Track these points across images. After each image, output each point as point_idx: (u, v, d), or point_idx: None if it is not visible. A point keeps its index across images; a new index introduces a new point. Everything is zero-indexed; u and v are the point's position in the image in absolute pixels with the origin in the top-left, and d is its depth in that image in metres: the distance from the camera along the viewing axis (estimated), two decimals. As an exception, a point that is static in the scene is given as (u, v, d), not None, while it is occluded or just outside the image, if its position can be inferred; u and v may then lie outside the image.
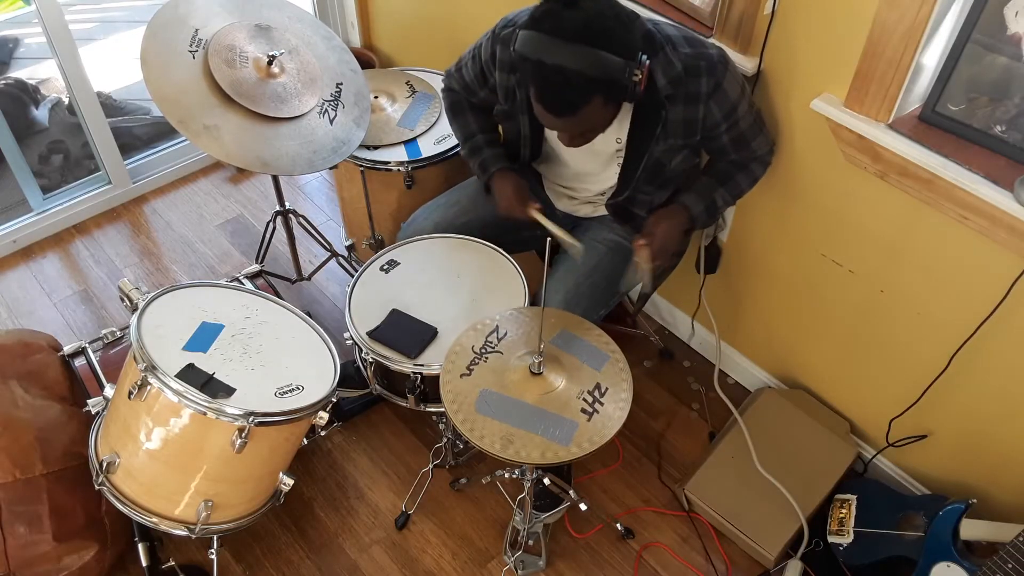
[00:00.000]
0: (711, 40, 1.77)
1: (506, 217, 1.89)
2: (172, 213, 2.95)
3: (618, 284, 1.93)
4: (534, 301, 1.87)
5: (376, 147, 2.20)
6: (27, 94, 3.20)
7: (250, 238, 2.85)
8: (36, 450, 1.76)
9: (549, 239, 1.47)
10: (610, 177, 1.85)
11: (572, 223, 2.03)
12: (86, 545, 1.82)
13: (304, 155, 1.99)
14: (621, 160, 1.79)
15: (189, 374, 1.65)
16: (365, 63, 2.52)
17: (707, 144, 1.79)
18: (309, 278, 2.66)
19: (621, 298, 2.00)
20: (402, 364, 1.76)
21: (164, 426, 1.62)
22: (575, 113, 1.53)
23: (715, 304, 2.31)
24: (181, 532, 1.72)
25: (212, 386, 1.65)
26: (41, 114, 3.18)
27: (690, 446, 2.28)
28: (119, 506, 1.70)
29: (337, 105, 2.10)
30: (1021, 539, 1.57)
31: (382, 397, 1.92)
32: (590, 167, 1.87)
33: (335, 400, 1.79)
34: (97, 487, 1.71)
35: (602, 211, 1.97)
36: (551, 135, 1.85)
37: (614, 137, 1.75)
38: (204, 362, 1.70)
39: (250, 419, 1.61)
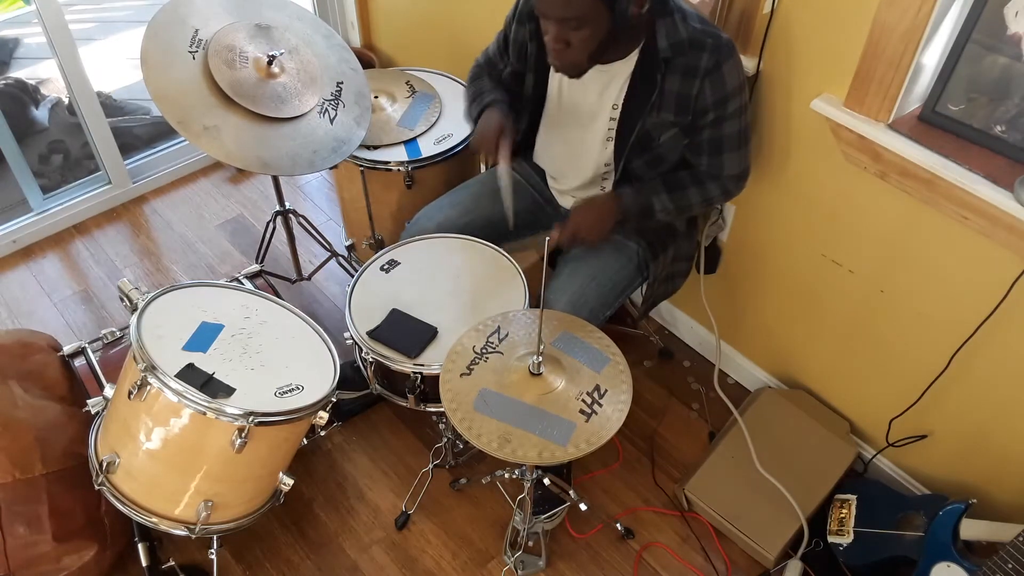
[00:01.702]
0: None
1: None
2: (172, 213, 2.95)
3: (623, 286, 1.93)
4: (535, 301, 1.87)
5: (376, 147, 2.20)
6: (27, 94, 3.20)
7: (250, 238, 2.85)
8: (36, 450, 1.76)
9: (548, 239, 1.47)
10: (604, 154, 1.84)
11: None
12: (86, 545, 1.82)
13: (304, 155, 1.99)
14: (614, 133, 1.78)
15: (189, 374, 1.65)
16: (365, 63, 2.52)
17: (687, 135, 1.77)
18: (309, 278, 2.66)
19: (625, 300, 2.00)
20: (402, 364, 1.76)
21: (164, 426, 1.62)
22: None
23: (715, 304, 2.31)
24: (181, 532, 1.72)
25: (212, 386, 1.65)
26: (41, 114, 3.18)
27: (690, 446, 2.28)
28: (119, 506, 1.70)
29: (337, 104, 2.10)
30: (1021, 539, 1.57)
31: (382, 397, 1.92)
32: (585, 140, 1.85)
33: (335, 400, 1.79)
34: (97, 487, 1.71)
35: None
36: (551, 105, 1.86)
37: (610, 103, 1.75)
38: (204, 362, 1.70)
39: (250, 419, 1.61)
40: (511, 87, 1.94)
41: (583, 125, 1.83)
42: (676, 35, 1.62)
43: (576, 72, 1.68)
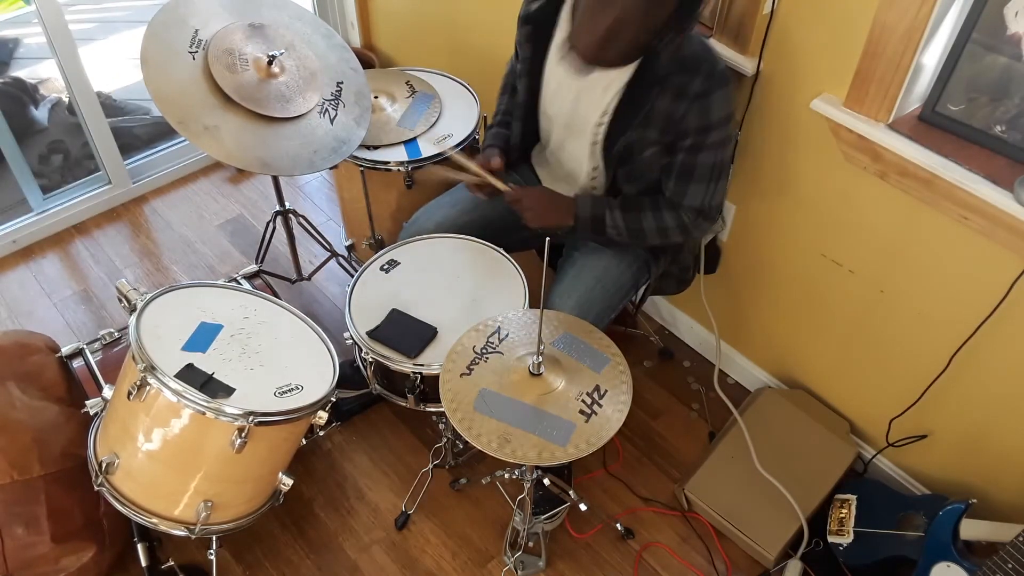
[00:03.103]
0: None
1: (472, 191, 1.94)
2: (172, 213, 2.95)
3: (627, 288, 1.92)
4: (534, 301, 1.87)
5: (376, 147, 2.20)
6: (27, 94, 3.20)
7: (250, 238, 2.85)
8: (34, 451, 1.76)
9: (548, 240, 1.47)
10: (593, 159, 1.82)
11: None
12: (84, 546, 1.82)
13: (304, 155, 1.99)
14: (600, 139, 1.76)
15: (188, 374, 1.65)
16: (365, 63, 2.52)
17: (668, 156, 1.74)
18: (309, 278, 2.66)
19: (627, 302, 2.00)
20: (402, 364, 1.76)
21: (163, 426, 1.62)
22: None
23: (715, 304, 2.31)
24: (180, 532, 1.72)
25: (211, 386, 1.65)
26: (41, 114, 3.18)
27: (690, 446, 2.28)
28: (118, 507, 1.70)
29: (337, 104, 2.10)
30: (1021, 539, 1.57)
31: (382, 397, 1.92)
32: (576, 147, 1.83)
33: (334, 400, 1.79)
34: (96, 488, 1.71)
35: None
36: (546, 107, 1.84)
37: (601, 111, 1.72)
38: (203, 362, 1.69)
39: (249, 419, 1.61)
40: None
41: (574, 131, 1.82)
42: (678, 53, 1.60)
43: (596, 57, 1.62)
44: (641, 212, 1.79)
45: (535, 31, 1.77)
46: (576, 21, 1.63)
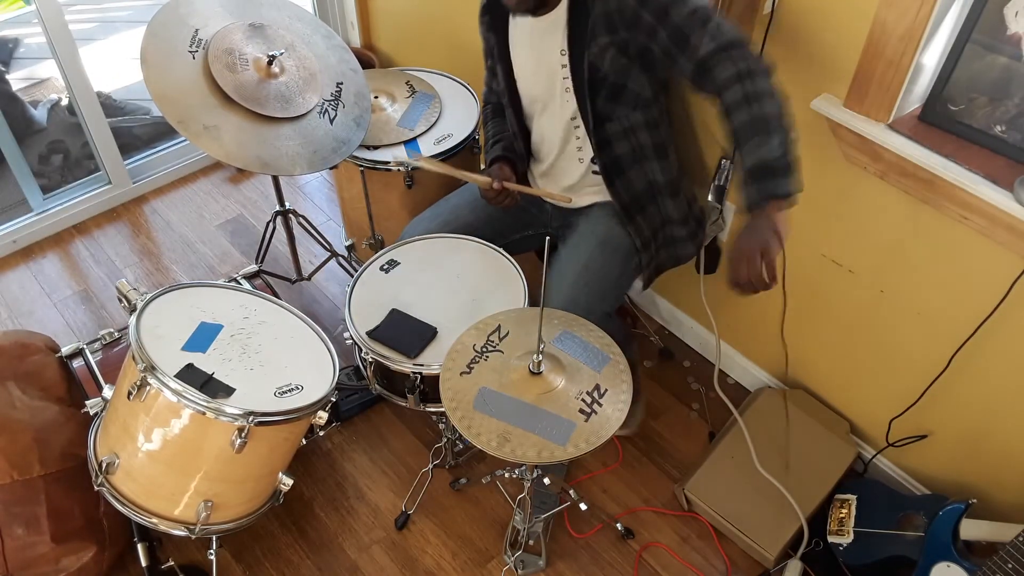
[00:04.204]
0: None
1: (491, 201, 1.94)
2: (172, 213, 2.95)
3: (616, 278, 1.90)
4: (534, 301, 1.87)
5: (376, 147, 2.20)
6: (27, 94, 3.20)
7: (250, 238, 2.85)
8: (34, 451, 1.76)
9: (548, 239, 1.47)
10: (567, 108, 1.81)
11: (565, 218, 2.02)
12: (84, 546, 1.82)
13: (304, 155, 1.99)
14: (569, 80, 1.77)
15: (188, 374, 1.65)
16: (365, 63, 2.52)
17: (625, 53, 1.68)
18: (309, 278, 2.66)
19: (624, 292, 1.98)
20: (402, 364, 1.76)
21: (163, 426, 1.62)
22: None
23: (715, 304, 2.31)
24: (181, 532, 1.72)
25: (211, 386, 1.65)
26: (41, 114, 3.18)
27: (690, 446, 2.28)
28: (119, 507, 1.70)
29: (337, 104, 2.10)
30: (1021, 539, 1.57)
31: (382, 397, 1.92)
32: (550, 101, 1.84)
33: (334, 400, 1.79)
34: (96, 488, 1.71)
35: (594, 197, 1.95)
36: (522, 84, 1.88)
37: (558, 49, 1.75)
38: (203, 362, 1.70)
39: (250, 419, 1.61)
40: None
41: (551, 91, 1.83)
42: None
43: (522, 5, 1.72)
44: (756, 125, 1.54)
45: (493, 20, 1.85)
46: None
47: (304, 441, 1.92)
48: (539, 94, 1.87)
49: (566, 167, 1.94)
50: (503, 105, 1.99)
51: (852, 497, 1.99)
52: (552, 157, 1.94)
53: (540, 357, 1.52)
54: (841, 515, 1.98)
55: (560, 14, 1.72)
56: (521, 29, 1.82)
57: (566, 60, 1.76)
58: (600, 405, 1.50)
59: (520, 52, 1.86)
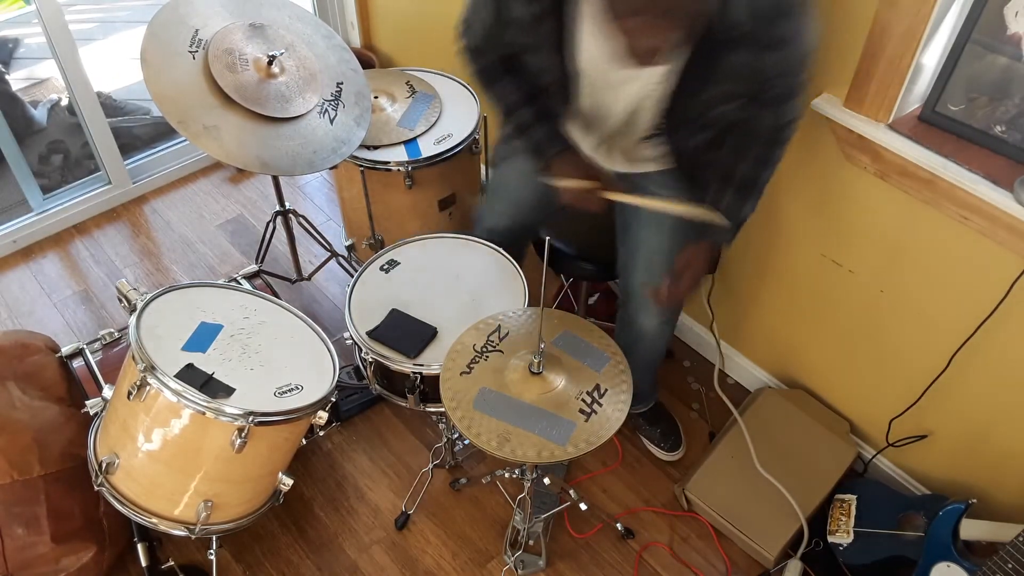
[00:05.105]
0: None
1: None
2: (172, 213, 2.95)
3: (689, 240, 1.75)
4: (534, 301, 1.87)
5: (376, 147, 2.20)
6: (26, 94, 3.20)
7: (250, 238, 2.85)
8: (34, 451, 1.76)
9: (548, 239, 1.47)
10: (645, 115, 1.62)
11: (627, 184, 1.79)
12: (84, 546, 1.82)
13: (304, 155, 1.99)
14: (658, 96, 1.56)
15: (188, 374, 1.65)
16: (365, 63, 2.52)
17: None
18: (309, 278, 2.66)
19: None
20: (402, 364, 1.76)
21: (163, 426, 1.62)
22: None
23: (715, 304, 2.31)
24: (181, 532, 1.72)
25: (211, 386, 1.65)
26: (40, 114, 3.18)
27: (690, 446, 2.28)
28: (118, 507, 1.70)
29: (337, 105, 2.10)
30: (1021, 539, 1.57)
31: (382, 397, 1.92)
32: (625, 89, 1.59)
33: (334, 400, 1.79)
34: (96, 488, 1.71)
35: (650, 166, 1.79)
36: (584, 60, 1.55)
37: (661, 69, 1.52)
38: (203, 362, 1.70)
39: (250, 419, 1.61)
40: (518, 48, 1.61)
41: (622, 75, 1.56)
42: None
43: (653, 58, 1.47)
44: (746, 185, 1.65)
45: (555, 3, 1.48)
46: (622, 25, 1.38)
47: (304, 441, 1.92)
48: (613, 80, 1.57)
49: (621, 142, 1.74)
50: (509, 59, 1.64)
51: (852, 497, 1.99)
52: (609, 132, 1.71)
53: (540, 357, 1.52)
54: (841, 515, 1.98)
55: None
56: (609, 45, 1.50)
57: (670, 80, 1.52)
58: (600, 405, 1.50)
59: (590, 41, 1.52)
